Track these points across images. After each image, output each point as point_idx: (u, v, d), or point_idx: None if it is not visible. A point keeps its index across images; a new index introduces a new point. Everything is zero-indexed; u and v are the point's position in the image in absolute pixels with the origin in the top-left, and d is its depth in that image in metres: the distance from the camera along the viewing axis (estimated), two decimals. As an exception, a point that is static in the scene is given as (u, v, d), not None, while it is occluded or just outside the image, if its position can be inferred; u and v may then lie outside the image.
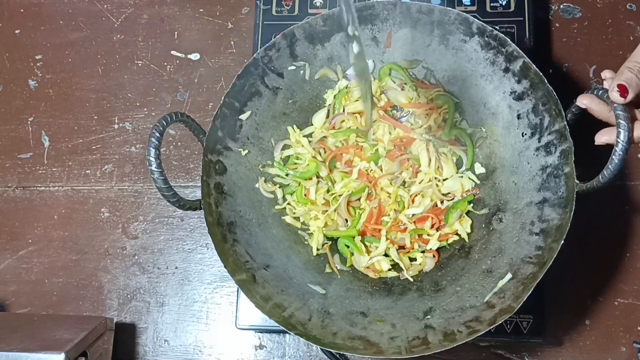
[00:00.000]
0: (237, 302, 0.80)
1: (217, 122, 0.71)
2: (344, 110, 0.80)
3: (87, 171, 0.92)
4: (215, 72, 0.94)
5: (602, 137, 0.62)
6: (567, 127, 0.65)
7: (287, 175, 0.78)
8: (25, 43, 0.99)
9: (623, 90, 0.58)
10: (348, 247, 0.76)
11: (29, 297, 0.88)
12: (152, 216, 0.90)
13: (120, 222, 0.90)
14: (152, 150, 0.61)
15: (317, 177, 0.78)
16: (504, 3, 0.84)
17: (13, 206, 0.92)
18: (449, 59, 0.76)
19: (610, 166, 0.58)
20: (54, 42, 0.98)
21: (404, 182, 0.78)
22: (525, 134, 0.71)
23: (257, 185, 0.76)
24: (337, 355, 0.81)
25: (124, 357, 0.84)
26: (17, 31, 0.99)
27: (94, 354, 0.76)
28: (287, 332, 0.76)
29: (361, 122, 0.79)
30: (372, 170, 0.78)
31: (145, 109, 0.94)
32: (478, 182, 0.77)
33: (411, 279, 0.74)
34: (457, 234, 0.75)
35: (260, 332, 0.83)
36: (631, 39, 0.87)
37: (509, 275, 0.65)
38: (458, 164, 0.78)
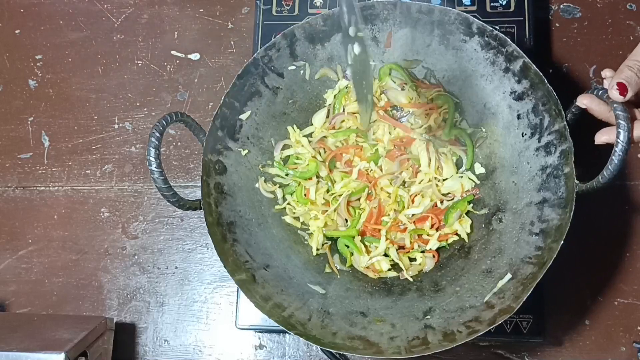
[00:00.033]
0: (237, 302, 0.80)
1: (217, 122, 0.71)
2: (344, 110, 0.80)
3: (87, 171, 0.92)
4: (215, 72, 0.94)
5: (602, 137, 0.62)
6: (567, 127, 0.65)
7: (287, 175, 0.78)
8: (25, 43, 0.99)
9: (623, 89, 0.58)
10: (348, 247, 0.76)
11: (29, 297, 0.88)
12: (152, 216, 0.90)
13: (120, 222, 0.90)
14: (152, 150, 0.61)
15: (317, 177, 0.78)
16: (504, 3, 0.84)
17: (13, 206, 0.92)
18: (449, 59, 0.76)
19: (610, 166, 0.58)
20: (54, 42, 0.98)
21: (404, 182, 0.78)
22: (525, 134, 0.71)
23: (257, 185, 0.76)
24: (337, 355, 0.81)
25: (124, 357, 0.85)
26: (17, 31, 0.99)
27: (94, 354, 0.76)
28: (287, 332, 0.76)
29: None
30: (372, 170, 0.78)
31: (145, 109, 0.94)
32: (478, 182, 0.77)
33: (411, 279, 0.74)
34: (456, 234, 0.75)
35: (260, 332, 0.83)
36: (631, 39, 0.87)
37: (509, 276, 0.65)
38: (458, 164, 0.78)
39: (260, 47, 0.75)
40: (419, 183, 0.77)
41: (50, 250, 0.90)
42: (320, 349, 0.81)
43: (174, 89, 0.94)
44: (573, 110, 0.66)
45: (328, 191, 0.78)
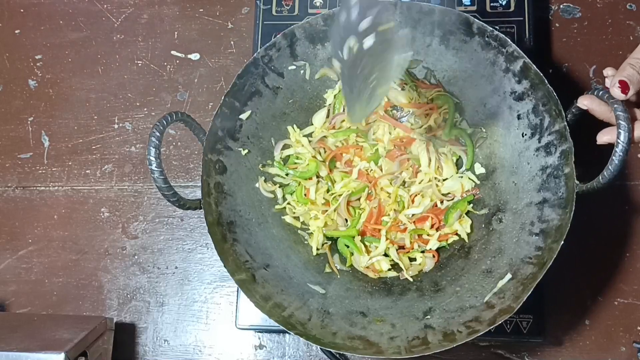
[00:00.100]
0: (237, 302, 0.80)
1: (217, 122, 0.71)
2: (344, 110, 0.80)
3: (87, 171, 0.92)
4: (215, 72, 0.94)
5: (604, 137, 0.62)
6: (567, 127, 0.65)
7: (287, 174, 0.78)
8: (25, 43, 0.99)
9: (624, 87, 0.58)
10: (348, 247, 0.76)
11: (29, 297, 0.88)
12: (152, 216, 0.90)
13: (120, 222, 0.90)
14: (152, 150, 0.61)
15: (317, 176, 0.78)
16: (504, 3, 0.84)
17: (13, 206, 0.92)
18: (449, 59, 0.76)
19: (610, 167, 0.58)
20: (54, 42, 0.98)
21: (404, 182, 0.78)
22: (525, 135, 0.71)
23: (257, 185, 0.76)
24: (337, 355, 0.81)
25: (124, 357, 0.84)
26: (17, 31, 0.99)
27: (94, 354, 0.76)
28: (287, 332, 0.76)
29: (361, 122, 0.79)
30: (372, 170, 0.78)
31: (145, 109, 0.94)
32: (478, 182, 0.77)
33: (411, 279, 0.74)
34: (456, 234, 0.75)
35: (260, 332, 0.83)
36: (631, 39, 0.87)
37: (509, 276, 0.65)
38: (458, 164, 0.78)
39: (260, 47, 0.74)
40: (419, 183, 0.77)
41: (50, 250, 0.90)
42: (320, 349, 0.81)
43: (174, 89, 0.94)
44: (573, 110, 0.66)
45: (328, 191, 0.78)
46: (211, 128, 0.70)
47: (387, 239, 0.74)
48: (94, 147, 0.93)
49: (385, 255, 0.75)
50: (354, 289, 0.73)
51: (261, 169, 0.77)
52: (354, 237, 0.76)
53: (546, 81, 0.67)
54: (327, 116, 0.80)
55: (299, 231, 0.77)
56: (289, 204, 0.78)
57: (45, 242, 0.90)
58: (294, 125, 0.79)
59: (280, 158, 0.79)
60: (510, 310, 0.61)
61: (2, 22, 1.00)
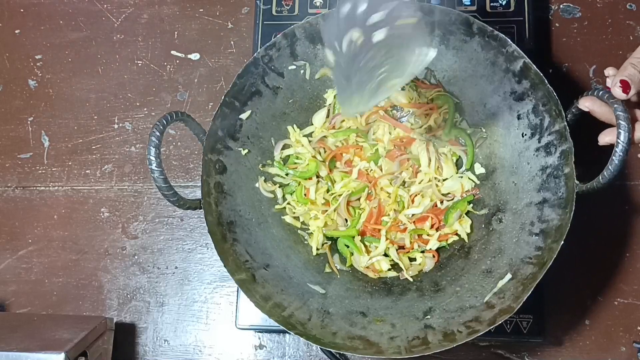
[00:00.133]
0: (237, 302, 0.80)
1: (217, 122, 0.71)
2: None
3: (87, 171, 0.92)
4: (215, 72, 0.94)
5: (605, 138, 0.62)
6: (567, 127, 0.65)
7: (287, 174, 0.78)
8: (25, 43, 0.98)
9: (625, 86, 0.58)
10: (348, 247, 0.76)
11: (29, 297, 0.88)
12: (152, 216, 0.90)
13: (120, 222, 0.90)
14: (152, 150, 0.61)
15: (317, 176, 0.78)
16: (504, 3, 0.84)
17: (13, 206, 0.92)
18: (449, 59, 0.76)
19: (610, 167, 0.58)
20: (54, 42, 0.98)
21: (404, 182, 0.78)
22: (525, 135, 0.71)
23: (257, 185, 0.76)
24: (337, 355, 0.81)
25: (124, 357, 0.84)
26: (17, 31, 0.99)
27: (94, 354, 0.76)
28: (287, 332, 0.76)
29: (361, 122, 0.79)
30: (372, 170, 0.78)
31: (145, 109, 0.94)
32: (478, 182, 0.77)
33: (411, 279, 0.74)
34: (456, 234, 0.75)
35: (260, 332, 0.83)
36: (631, 39, 0.87)
37: (509, 276, 0.65)
38: (458, 164, 0.78)
39: (260, 47, 0.74)
40: (419, 183, 0.77)
41: (50, 250, 0.90)
42: (320, 349, 0.81)
43: (174, 89, 0.94)
44: (573, 110, 0.66)
45: (328, 191, 0.78)
46: (211, 128, 0.70)
47: (387, 239, 0.74)
48: (94, 147, 0.93)
49: (385, 255, 0.75)
50: (354, 289, 0.73)
51: (261, 168, 0.77)
52: (354, 237, 0.76)
53: (546, 81, 0.67)
54: (327, 116, 0.80)
55: (299, 231, 0.77)
56: (288, 204, 0.78)
57: (45, 242, 0.90)
58: (294, 125, 0.79)
59: (280, 158, 0.79)
60: (510, 310, 0.61)
61: (2, 22, 1.00)
